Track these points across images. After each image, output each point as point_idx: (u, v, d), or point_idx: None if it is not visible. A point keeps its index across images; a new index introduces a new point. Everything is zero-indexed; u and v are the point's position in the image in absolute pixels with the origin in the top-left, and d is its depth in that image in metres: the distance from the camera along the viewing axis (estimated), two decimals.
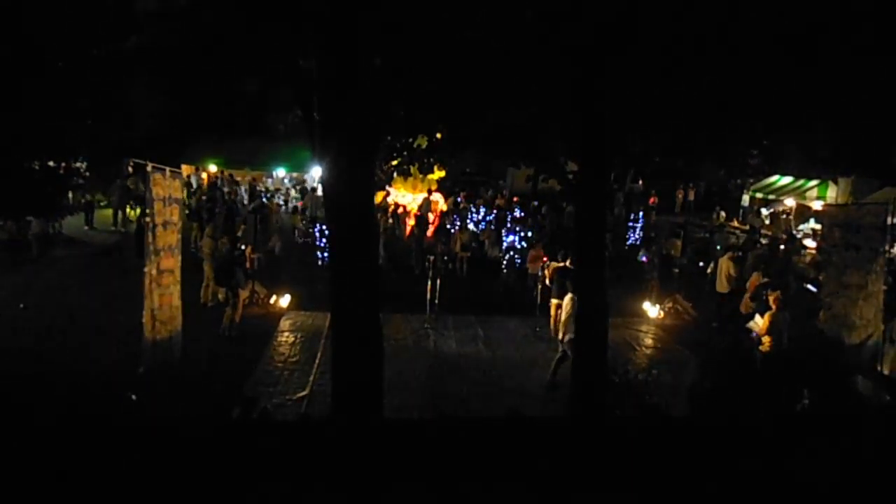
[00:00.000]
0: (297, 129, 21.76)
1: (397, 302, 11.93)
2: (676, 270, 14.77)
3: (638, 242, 18.85)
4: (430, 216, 17.89)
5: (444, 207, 19.61)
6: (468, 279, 15.17)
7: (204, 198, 20.51)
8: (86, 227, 18.41)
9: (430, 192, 19.23)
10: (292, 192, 24.53)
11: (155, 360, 8.14)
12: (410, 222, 17.76)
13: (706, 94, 6.46)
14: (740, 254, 12.87)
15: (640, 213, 20.95)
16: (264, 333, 10.67)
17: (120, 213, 19.02)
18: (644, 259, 14.21)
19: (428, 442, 6.53)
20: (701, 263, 15.00)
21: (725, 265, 11.81)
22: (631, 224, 20.37)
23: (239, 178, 24.43)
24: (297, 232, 18.05)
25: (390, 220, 17.60)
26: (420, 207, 18.54)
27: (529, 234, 16.15)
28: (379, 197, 17.26)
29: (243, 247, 12.15)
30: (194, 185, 23.65)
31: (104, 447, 5.49)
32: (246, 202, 22.05)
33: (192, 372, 8.64)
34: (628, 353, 10.62)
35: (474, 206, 19.82)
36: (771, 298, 9.19)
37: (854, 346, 8.57)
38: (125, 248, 15.88)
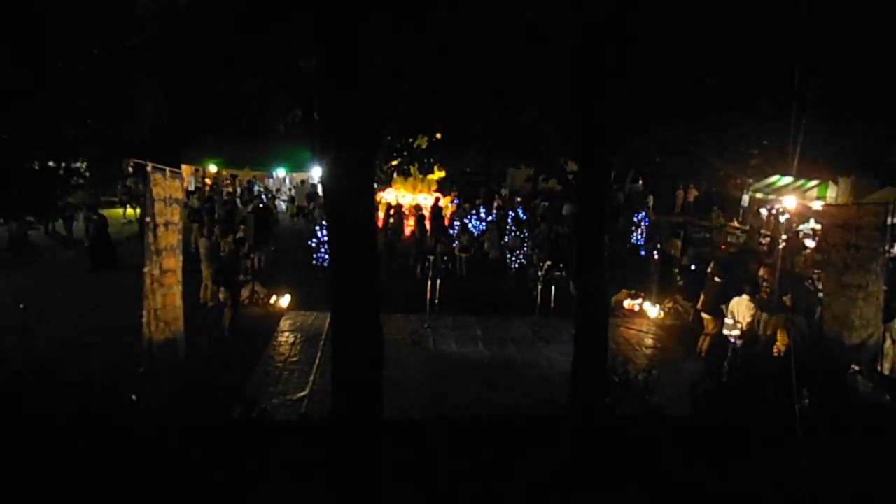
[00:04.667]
0: (297, 129, 21.72)
1: (397, 302, 11.94)
2: (676, 270, 14.74)
3: (639, 242, 18.83)
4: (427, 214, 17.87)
5: (453, 207, 19.63)
6: (468, 279, 15.18)
7: (208, 194, 20.44)
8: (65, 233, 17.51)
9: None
10: (293, 192, 24.53)
11: (155, 361, 8.13)
12: (410, 222, 17.74)
13: (707, 94, 6.47)
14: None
15: (643, 214, 20.89)
16: (264, 333, 10.66)
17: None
18: (643, 253, 14.33)
19: (428, 442, 6.52)
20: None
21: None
22: (631, 225, 20.30)
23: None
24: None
25: (391, 220, 17.56)
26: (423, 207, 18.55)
27: (527, 234, 16.13)
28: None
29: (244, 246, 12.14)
30: (194, 186, 23.65)
31: (105, 448, 5.50)
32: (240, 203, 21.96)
33: (191, 372, 8.64)
34: (628, 353, 10.62)
35: (474, 207, 19.80)
36: (785, 302, 9.19)
37: (854, 346, 8.57)
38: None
